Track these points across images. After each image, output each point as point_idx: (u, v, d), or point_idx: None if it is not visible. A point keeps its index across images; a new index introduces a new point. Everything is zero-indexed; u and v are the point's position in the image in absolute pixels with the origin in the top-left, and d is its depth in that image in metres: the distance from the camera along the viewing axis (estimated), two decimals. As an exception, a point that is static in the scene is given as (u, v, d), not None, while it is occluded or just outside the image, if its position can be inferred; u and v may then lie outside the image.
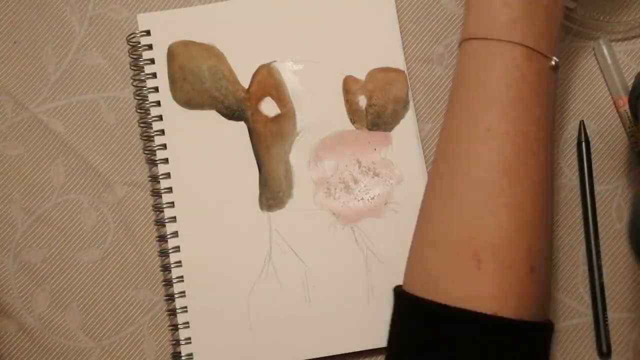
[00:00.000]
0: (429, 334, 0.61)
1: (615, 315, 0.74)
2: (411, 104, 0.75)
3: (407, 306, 0.64)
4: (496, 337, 0.59)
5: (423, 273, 0.64)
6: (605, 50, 0.76)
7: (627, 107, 0.75)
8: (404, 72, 0.76)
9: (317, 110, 0.75)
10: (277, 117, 0.75)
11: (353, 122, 0.75)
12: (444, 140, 0.67)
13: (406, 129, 0.75)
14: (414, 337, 0.63)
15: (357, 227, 0.74)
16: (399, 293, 0.65)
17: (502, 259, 0.60)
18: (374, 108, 0.75)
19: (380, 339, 0.72)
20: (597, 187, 0.75)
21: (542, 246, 0.63)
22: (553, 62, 0.64)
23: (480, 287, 0.60)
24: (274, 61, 0.76)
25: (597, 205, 0.75)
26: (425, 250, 0.64)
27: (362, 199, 0.74)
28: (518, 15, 0.63)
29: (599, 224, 0.75)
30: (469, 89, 0.65)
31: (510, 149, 0.62)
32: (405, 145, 0.75)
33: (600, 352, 0.73)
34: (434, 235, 0.64)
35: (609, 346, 0.73)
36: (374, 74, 0.76)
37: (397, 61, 0.76)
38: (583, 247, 0.75)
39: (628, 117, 0.75)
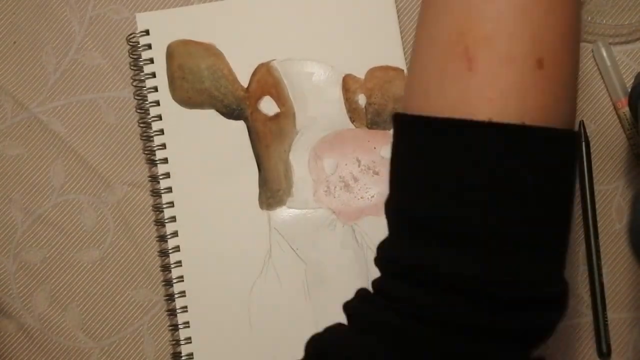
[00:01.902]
0: (420, 153, 0.52)
1: (615, 315, 0.74)
2: (411, 102, 0.75)
3: (399, 127, 0.55)
4: (491, 145, 0.50)
5: (416, 85, 0.54)
6: (604, 53, 0.76)
7: (626, 109, 0.75)
8: (403, 70, 0.76)
9: (317, 109, 0.75)
10: (277, 115, 0.75)
11: (352, 120, 0.75)
12: None
13: (406, 128, 0.75)
14: (404, 157, 0.54)
15: (357, 226, 0.74)
16: (394, 116, 0.55)
17: (497, 53, 0.50)
18: (374, 107, 0.75)
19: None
20: (597, 187, 0.75)
21: (555, 33, 0.52)
22: None
23: (473, 90, 0.50)
24: (273, 60, 0.76)
25: (597, 205, 0.75)
26: (419, 60, 0.55)
27: (362, 197, 0.74)
28: None
29: (599, 224, 0.75)
30: None
31: None
32: (405, 143, 0.75)
33: (600, 352, 0.73)
34: (426, 38, 0.54)
35: (609, 346, 0.73)
36: (373, 72, 0.76)
37: (397, 60, 0.76)
38: (583, 247, 0.75)
39: (627, 119, 0.75)
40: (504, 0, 0.50)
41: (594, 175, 0.75)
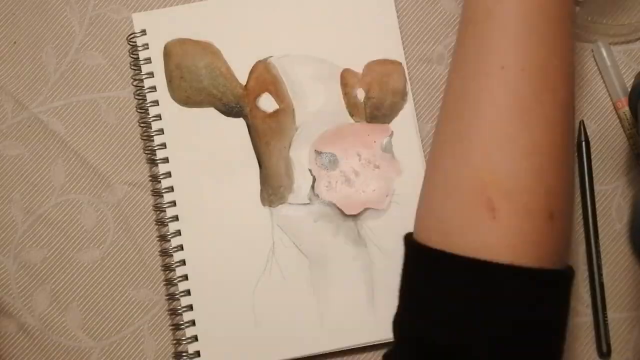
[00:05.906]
0: (443, 286, 0.58)
1: (615, 315, 0.74)
2: (409, 95, 0.75)
3: (419, 257, 0.61)
4: (513, 286, 0.56)
5: (435, 223, 0.60)
6: (604, 53, 0.76)
7: (626, 109, 0.75)
8: (401, 63, 0.76)
9: (316, 105, 0.75)
10: (276, 112, 0.75)
11: (352, 115, 0.75)
12: (453, 81, 0.62)
13: (405, 121, 0.75)
14: (426, 289, 0.59)
15: (359, 220, 0.74)
16: (410, 243, 0.62)
17: (518, 206, 0.57)
18: (372, 101, 0.75)
19: (384, 332, 0.71)
20: (597, 187, 0.75)
21: (562, 191, 0.59)
22: None
23: (496, 237, 0.57)
24: (271, 57, 0.76)
25: (597, 205, 0.75)
26: (437, 200, 0.61)
27: (364, 191, 0.74)
28: None
29: (599, 224, 0.75)
30: (480, 23, 0.61)
31: (526, 87, 0.58)
32: (404, 137, 0.75)
33: (600, 352, 0.73)
34: (445, 183, 0.60)
35: (609, 346, 0.73)
36: (371, 66, 0.76)
37: (394, 53, 0.76)
38: (583, 247, 0.75)
39: (627, 119, 0.75)
40: (523, 158, 0.57)
41: (594, 175, 0.75)
